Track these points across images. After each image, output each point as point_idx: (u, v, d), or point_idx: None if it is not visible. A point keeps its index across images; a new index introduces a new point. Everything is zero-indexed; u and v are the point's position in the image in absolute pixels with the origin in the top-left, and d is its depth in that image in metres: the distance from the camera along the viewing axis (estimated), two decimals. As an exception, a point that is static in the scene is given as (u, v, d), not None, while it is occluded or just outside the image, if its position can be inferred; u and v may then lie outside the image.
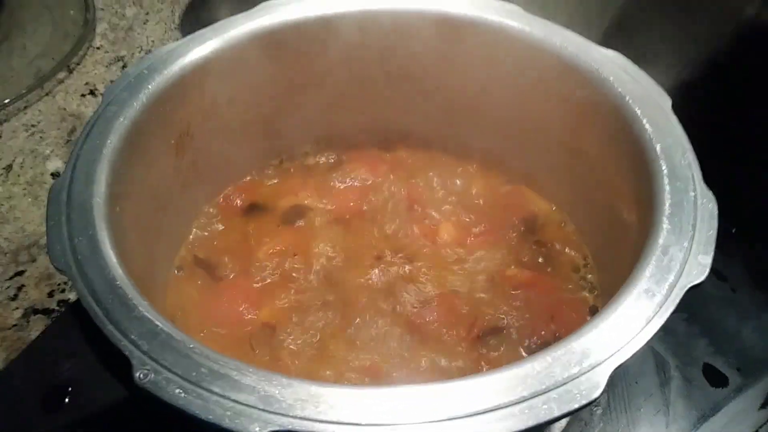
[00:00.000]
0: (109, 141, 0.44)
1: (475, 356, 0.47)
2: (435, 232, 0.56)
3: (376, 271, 0.52)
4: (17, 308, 0.59)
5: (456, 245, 0.55)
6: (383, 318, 0.49)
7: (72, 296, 0.59)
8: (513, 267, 0.53)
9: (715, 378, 0.54)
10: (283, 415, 0.30)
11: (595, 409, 0.52)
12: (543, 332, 0.48)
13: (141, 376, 0.32)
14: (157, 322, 0.34)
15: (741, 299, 0.60)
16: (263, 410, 0.30)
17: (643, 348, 0.33)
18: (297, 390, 0.31)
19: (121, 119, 0.45)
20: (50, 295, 0.60)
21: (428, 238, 0.55)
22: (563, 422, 0.50)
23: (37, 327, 0.57)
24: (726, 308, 0.59)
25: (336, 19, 0.54)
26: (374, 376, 0.46)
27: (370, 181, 0.60)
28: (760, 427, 0.51)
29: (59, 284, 0.61)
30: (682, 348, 0.56)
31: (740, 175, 0.63)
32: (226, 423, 0.30)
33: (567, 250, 0.55)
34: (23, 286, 0.60)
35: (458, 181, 0.60)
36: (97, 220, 0.39)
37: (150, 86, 0.47)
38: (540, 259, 0.54)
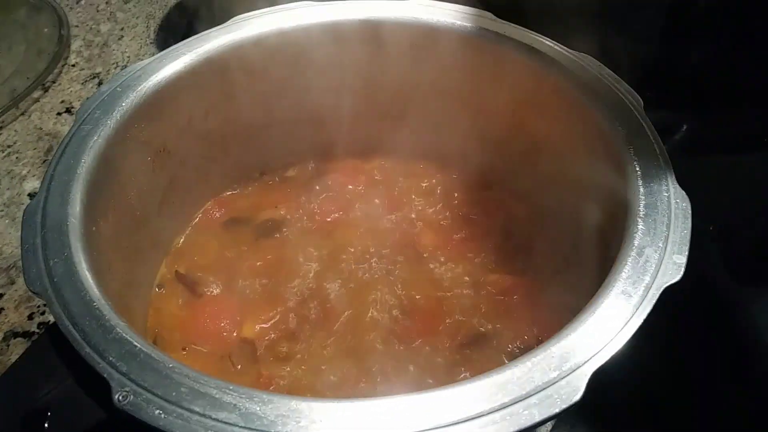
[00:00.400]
0: (83, 160, 0.43)
1: (459, 364, 0.47)
2: (416, 240, 0.56)
3: (358, 281, 0.52)
4: (-4, 332, 0.58)
5: (437, 252, 0.55)
6: (366, 328, 0.49)
7: (52, 318, 0.59)
8: (494, 272, 0.53)
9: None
10: (264, 431, 0.30)
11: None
12: (526, 337, 0.49)
13: (120, 398, 0.31)
14: (136, 343, 0.34)
15: (721, 296, 0.60)
16: (245, 428, 0.30)
17: (621, 350, 0.33)
18: (278, 406, 0.31)
19: (95, 138, 0.45)
20: (30, 317, 0.59)
21: (409, 246, 0.55)
22: (549, 425, 0.50)
23: (17, 350, 0.57)
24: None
25: (311, 31, 0.55)
26: (357, 387, 0.46)
27: (350, 191, 0.60)
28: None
29: (39, 306, 0.60)
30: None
31: (715, 172, 0.63)
32: (207, 442, 0.30)
33: (547, 253, 0.55)
34: (2, 309, 0.60)
35: (437, 188, 0.60)
36: (72, 240, 0.39)
37: (124, 104, 0.47)
38: (520, 264, 0.54)
